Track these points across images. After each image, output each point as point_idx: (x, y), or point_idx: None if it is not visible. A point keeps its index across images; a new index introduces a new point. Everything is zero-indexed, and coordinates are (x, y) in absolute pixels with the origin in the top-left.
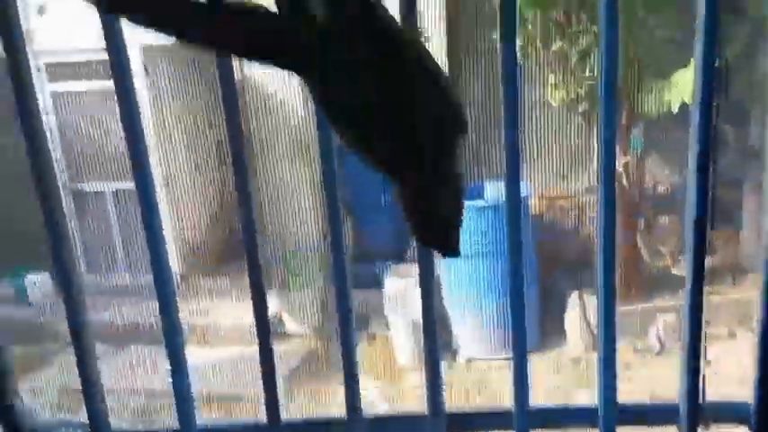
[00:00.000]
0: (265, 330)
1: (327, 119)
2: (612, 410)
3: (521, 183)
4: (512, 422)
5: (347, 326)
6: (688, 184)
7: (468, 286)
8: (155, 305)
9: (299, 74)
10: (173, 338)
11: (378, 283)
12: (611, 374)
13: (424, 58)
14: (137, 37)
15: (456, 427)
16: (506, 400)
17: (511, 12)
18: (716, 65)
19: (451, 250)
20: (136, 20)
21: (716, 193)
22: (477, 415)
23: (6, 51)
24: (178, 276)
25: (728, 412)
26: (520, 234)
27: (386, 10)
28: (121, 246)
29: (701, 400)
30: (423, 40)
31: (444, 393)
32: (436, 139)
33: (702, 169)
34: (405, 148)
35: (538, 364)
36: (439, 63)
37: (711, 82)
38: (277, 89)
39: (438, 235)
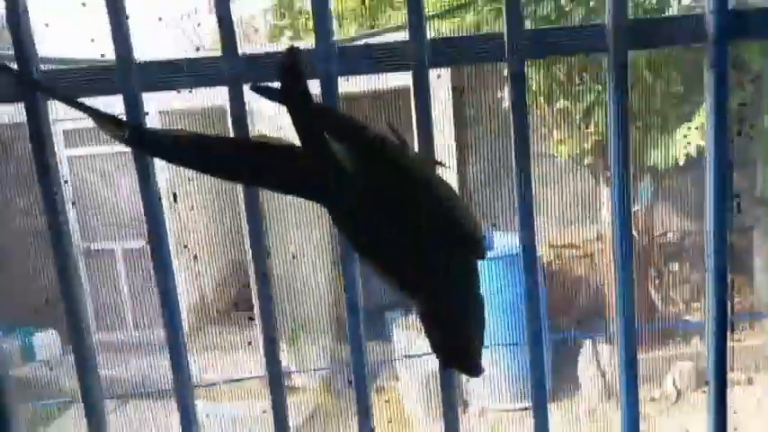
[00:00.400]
0: (278, 386)
1: (350, 245)
2: None
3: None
4: None
5: (361, 382)
6: (708, 235)
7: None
8: (161, 360)
9: (323, 204)
10: (184, 393)
11: (386, 336)
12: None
13: (439, 187)
14: (153, 101)
15: None
16: None
17: (520, 85)
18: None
19: (473, 371)
20: (162, 157)
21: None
22: None
23: (29, 116)
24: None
25: None
26: (537, 280)
27: (402, 147)
28: (130, 303)
29: None
30: (437, 168)
31: None
32: (451, 265)
33: (721, 222)
34: (421, 275)
35: (552, 415)
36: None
37: (725, 140)
38: (288, 123)
39: (459, 356)
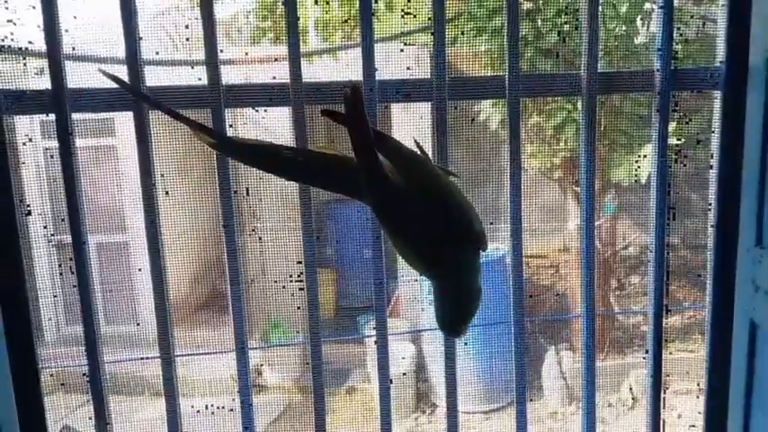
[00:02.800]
0: (246, 382)
1: (388, 235)
2: None
3: (499, 243)
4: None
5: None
6: (651, 245)
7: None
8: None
9: (366, 203)
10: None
11: (359, 338)
12: (592, 409)
13: (456, 192)
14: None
15: None
16: None
17: (516, 118)
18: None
19: (456, 335)
20: (241, 160)
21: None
22: None
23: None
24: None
25: None
26: (522, 286)
27: (426, 159)
28: (101, 297)
29: None
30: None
31: None
32: (463, 254)
33: (661, 238)
34: (441, 261)
35: (517, 416)
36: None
37: (665, 166)
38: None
39: (454, 325)
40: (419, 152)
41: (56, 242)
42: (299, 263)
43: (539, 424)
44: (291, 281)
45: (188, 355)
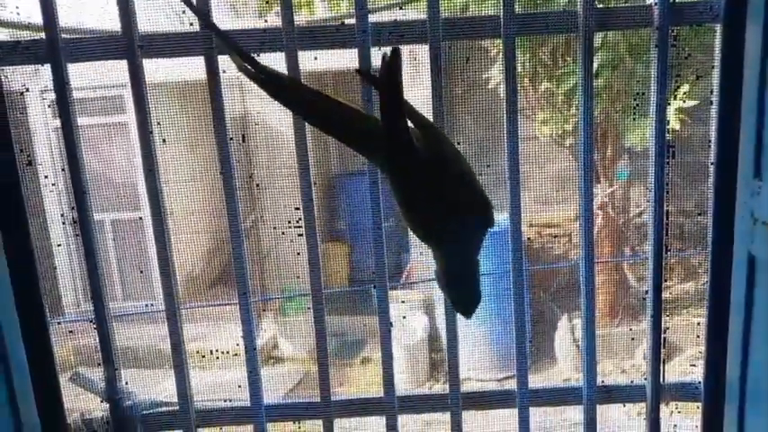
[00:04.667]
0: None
1: (400, 205)
2: (593, 389)
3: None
4: (515, 401)
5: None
6: (650, 184)
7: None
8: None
9: (383, 170)
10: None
11: (372, 310)
12: (593, 359)
13: (468, 172)
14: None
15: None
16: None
17: (511, 56)
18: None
19: (466, 315)
20: (275, 96)
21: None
22: (487, 393)
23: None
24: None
25: (684, 390)
26: (522, 259)
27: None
28: (118, 274)
29: (661, 381)
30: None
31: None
32: (470, 231)
33: (660, 177)
34: (449, 233)
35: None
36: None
37: (664, 102)
38: (282, 127)
39: (462, 301)
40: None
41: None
42: (297, 209)
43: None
44: (290, 227)
45: (195, 307)
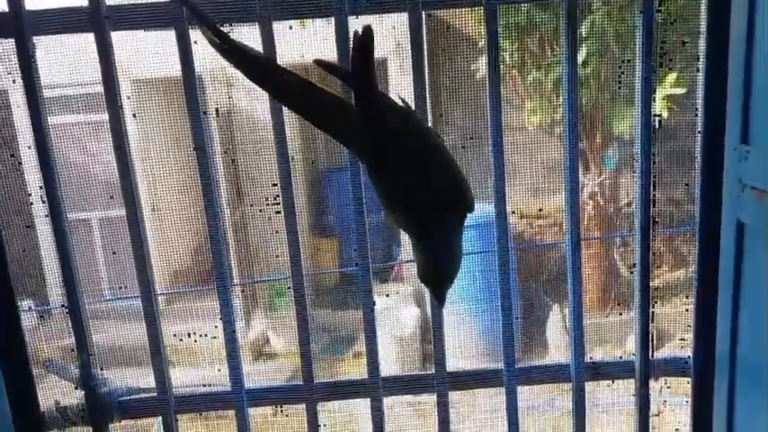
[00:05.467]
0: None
1: (378, 193)
2: (581, 367)
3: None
4: (502, 379)
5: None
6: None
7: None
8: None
9: (359, 157)
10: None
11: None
12: (581, 336)
13: (446, 155)
14: (127, 70)
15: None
16: None
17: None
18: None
19: (440, 303)
20: (241, 69)
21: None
22: (473, 372)
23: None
24: (163, 299)
25: (673, 365)
26: (508, 246)
27: (421, 120)
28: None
29: (650, 356)
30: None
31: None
32: (448, 215)
33: (646, 187)
34: (428, 221)
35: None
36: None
37: (651, 66)
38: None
39: (437, 288)
40: (405, 106)
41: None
42: (275, 185)
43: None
44: (268, 204)
45: (173, 293)
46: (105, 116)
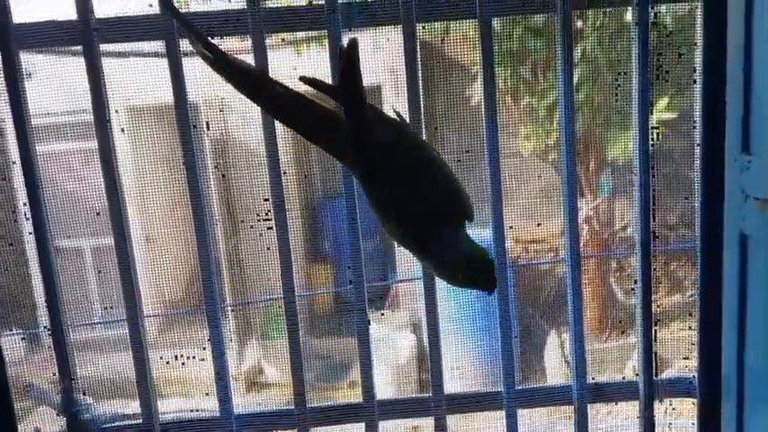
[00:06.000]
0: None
1: (374, 209)
2: (584, 388)
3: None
4: (502, 402)
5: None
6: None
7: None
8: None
9: (352, 171)
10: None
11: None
12: (583, 358)
13: (441, 168)
14: (122, 98)
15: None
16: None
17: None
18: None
19: (489, 286)
20: (232, 83)
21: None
22: (472, 395)
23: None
24: (152, 325)
25: (677, 386)
26: (506, 265)
27: (415, 133)
28: (99, 300)
29: (654, 376)
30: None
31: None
32: (444, 228)
33: (645, 201)
34: (429, 233)
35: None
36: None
37: (648, 78)
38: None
39: (472, 278)
40: (398, 119)
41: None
42: (266, 200)
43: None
44: (259, 220)
45: (160, 315)
46: (94, 143)
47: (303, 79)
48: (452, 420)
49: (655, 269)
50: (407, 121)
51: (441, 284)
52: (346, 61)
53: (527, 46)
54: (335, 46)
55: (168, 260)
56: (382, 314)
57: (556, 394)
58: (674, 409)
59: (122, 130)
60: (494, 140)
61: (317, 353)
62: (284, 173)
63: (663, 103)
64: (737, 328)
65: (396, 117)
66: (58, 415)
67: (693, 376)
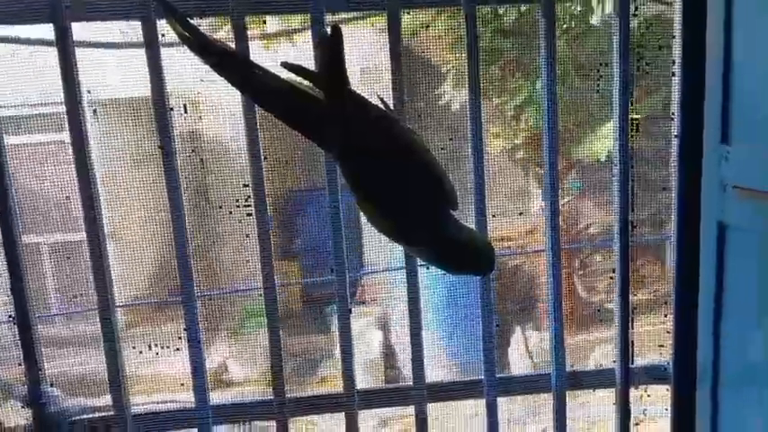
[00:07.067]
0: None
1: (354, 195)
2: (562, 377)
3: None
4: (483, 390)
5: None
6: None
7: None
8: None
9: (331, 154)
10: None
11: (327, 329)
12: (562, 348)
13: (424, 151)
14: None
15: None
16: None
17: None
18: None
19: (486, 270)
20: (212, 66)
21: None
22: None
23: None
24: (123, 325)
25: (652, 373)
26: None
27: (399, 119)
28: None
29: (630, 363)
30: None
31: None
32: (435, 212)
33: (624, 189)
34: (412, 220)
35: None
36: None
37: (627, 69)
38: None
39: (467, 263)
40: (383, 107)
41: None
42: (246, 186)
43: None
44: (238, 206)
45: (136, 304)
46: (61, 136)
47: (285, 65)
48: (433, 409)
49: (632, 259)
50: (391, 107)
51: (422, 274)
52: (330, 47)
53: (497, 46)
54: (320, 30)
55: (142, 250)
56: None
57: (535, 382)
58: (648, 395)
59: (95, 111)
60: (478, 132)
61: (289, 349)
62: (265, 158)
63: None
64: (713, 316)
65: (380, 104)
66: (23, 407)
67: (668, 363)
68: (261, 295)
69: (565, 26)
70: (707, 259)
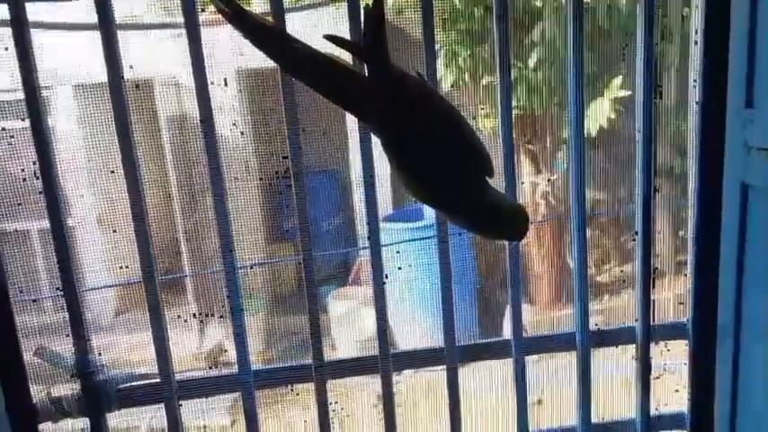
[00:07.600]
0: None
1: (394, 165)
2: (587, 334)
3: None
4: (510, 349)
5: None
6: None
7: (409, 297)
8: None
9: (369, 126)
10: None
11: (322, 308)
12: (586, 307)
13: (463, 121)
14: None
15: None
16: None
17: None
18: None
19: (520, 235)
20: (252, 40)
21: None
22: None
23: None
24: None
25: (672, 331)
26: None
27: (436, 90)
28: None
29: (652, 322)
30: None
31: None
32: (472, 181)
33: (647, 154)
34: (452, 189)
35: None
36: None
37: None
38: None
39: (504, 229)
40: (419, 78)
41: None
42: (285, 158)
43: (505, 371)
44: (278, 177)
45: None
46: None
47: (327, 37)
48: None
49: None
50: (426, 78)
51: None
52: (372, 19)
53: (487, 27)
54: (354, 9)
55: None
56: (346, 295)
57: (561, 341)
58: (668, 350)
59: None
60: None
61: (283, 331)
62: (303, 130)
63: (617, 82)
64: (736, 275)
65: (416, 74)
66: (71, 377)
67: (687, 319)
68: (300, 264)
69: None
70: (730, 219)
